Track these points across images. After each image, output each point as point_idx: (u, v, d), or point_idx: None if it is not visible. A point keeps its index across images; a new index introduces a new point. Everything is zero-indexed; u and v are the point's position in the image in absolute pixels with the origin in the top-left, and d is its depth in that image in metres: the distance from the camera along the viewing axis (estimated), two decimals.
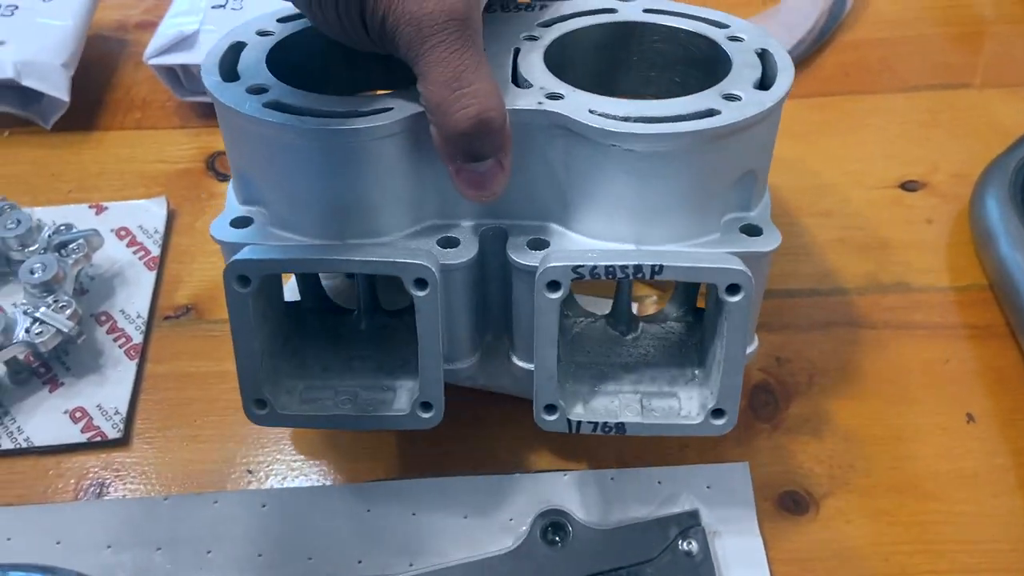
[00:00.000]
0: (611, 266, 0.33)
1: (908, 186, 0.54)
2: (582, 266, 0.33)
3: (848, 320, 0.48)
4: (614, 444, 0.43)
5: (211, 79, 0.36)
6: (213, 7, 0.58)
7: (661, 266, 0.33)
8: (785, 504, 0.41)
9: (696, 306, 0.41)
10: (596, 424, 0.36)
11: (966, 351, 0.46)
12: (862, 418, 0.44)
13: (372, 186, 0.35)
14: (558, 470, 0.42)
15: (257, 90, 0.35)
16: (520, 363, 0.39)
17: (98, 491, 0.42)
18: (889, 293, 0.49)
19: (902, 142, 0.56)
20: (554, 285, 0.34)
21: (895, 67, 0.61)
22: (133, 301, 0.49)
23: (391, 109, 0.34)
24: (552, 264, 0.33)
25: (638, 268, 0.33)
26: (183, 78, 0.58)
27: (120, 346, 0.47)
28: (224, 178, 0.56)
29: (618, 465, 0.42)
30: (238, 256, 0.34)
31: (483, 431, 0.43)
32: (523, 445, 0.43)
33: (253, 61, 0.37)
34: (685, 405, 0.37)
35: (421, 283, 0.34)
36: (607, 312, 0.41)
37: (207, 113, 0.59)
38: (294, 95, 0.35)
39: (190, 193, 0.55)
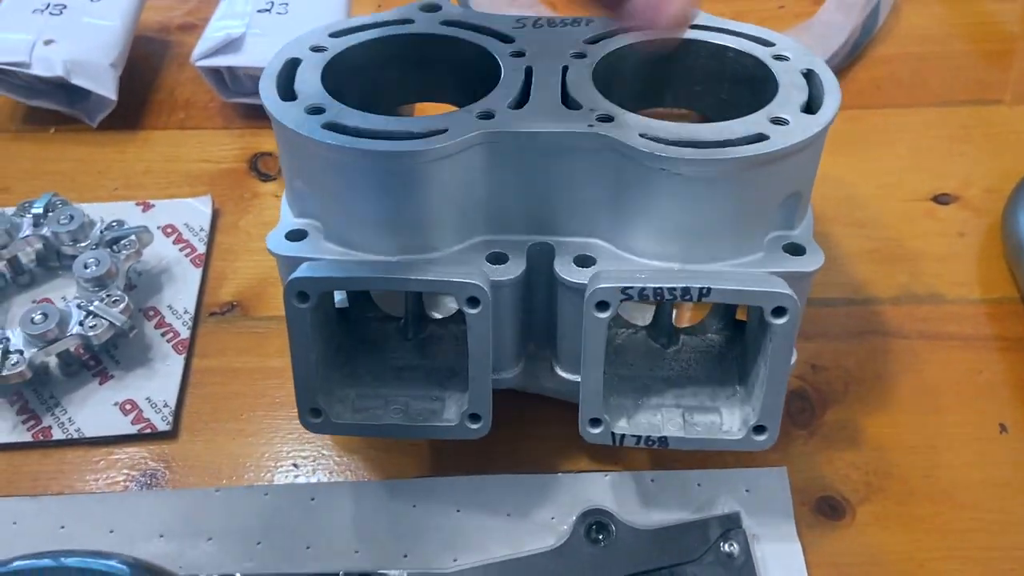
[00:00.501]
0: (659, 288, 0.34)
1: (941, 199, 0.55)
2: (631, 287, 0.34)
3: (882, 330, 0.48)
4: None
5: (270, 99, 0.37)
6: (259, 11, 0.59)
7: (709, 288, 0.34)
8: (822, 509, 0.42)
9: (735, 318, 0.42)
10: (639, 437, 0.37)
11: (999, 362, 0.47)
12: (897, 427, 0.45)
13: (426, 205, 0.36)
14: (598, 471, 0.43)
15: (315, 110, 0.36)
16: (564, 374, 0.40)
17: (148, 481, 0.43)
18: (923, 304, 0.50)
19: (935, 156, 0.57)
20: (603, 305, 0.34)
21: (927, 82, 0.61)
22: (180, 297, 0.50)
23: (446, 130, 0.35)
24: (601, 285, 0.34)
25: (686, 291, 0.34)
26: (228, 80, 0.59)
27: (168, 341, 0.48)
28: (266, 178, 0.57)
29: (653, 467, 0.43)
30: (298, 274, 0.35)
31: (522, 431, 0.44)
32: (562, 446, 0.44)
33: (309, 79, 0.38)
34: (727, 420, 0.38)
35: (473, 301, 0.35)
36: (647, 323, 0.42)
37: (250, 114, 0.60)
38: (351, 115, 0.36)
39: (233, 193, 0.56)
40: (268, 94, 0.37)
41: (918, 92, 0.61)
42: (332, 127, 0.35)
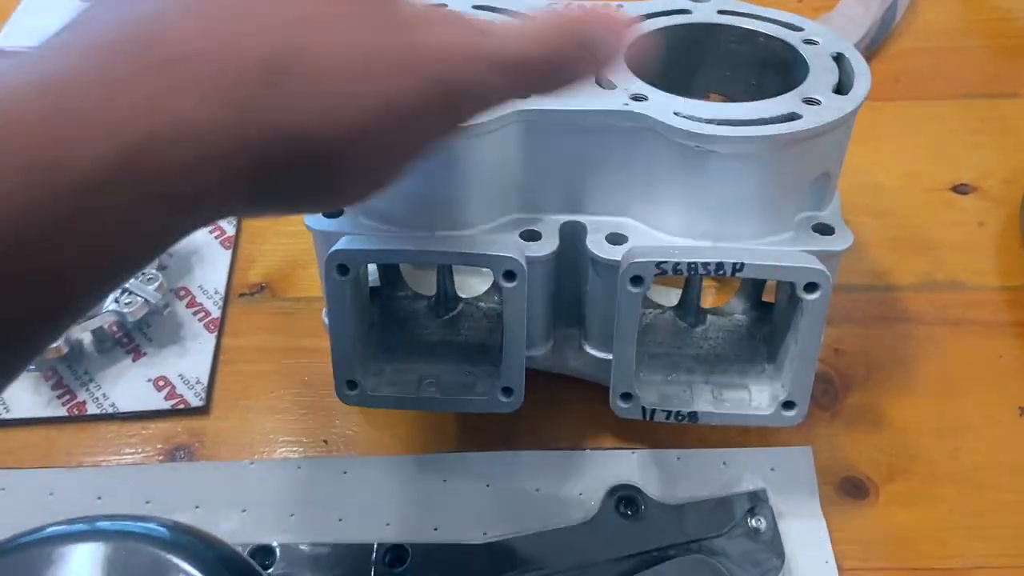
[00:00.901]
0: (693, 263, 0.35)
1: (960, 189, 0.55)
2: (665, 262, 0.35)
3: (904, 316, 0.49)
4: (676, 427, 0.44)
5: None
6: None
7: (742, 264, 0.35)
8: (846, 489, 0.42)
9: (761, 300, 0.42)
10: (670, 412, 0.38)
11: (1018, 348, 0.48)
12: (918, 410, 0.45)
13: (461, 181, 0.36)
14: (625, 448, 0.43)
15: None
16: (593, 351, 0.40)
17: (183, 455, 0.44)
18: (943, 291, 0.50)
19: (953, 147, 0.58)
20: (637, 280, 0.35)
21: (945, 76, 0.62)
22: (210, 278, 0.51)
23: None
24: (636, 260, 0.35)
25: (720, 266, 0.35)
26: None
27: (199, 320, 0.49)
28: None
29: (678, 446, 0.43)
30: (339, 246, 0.36)
31: (549, 409, 0.45)
32: (588, 424, 0.45)
33: None
34: (756, 397, 0.38)
35: (510, 275, 0.35)
36: (674, 304, 0.43)
37: None
38: None
39: None
40: None
41: (936, 85, 0.62)
42: None
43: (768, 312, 0.42)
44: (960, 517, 0.42)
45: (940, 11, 0.67)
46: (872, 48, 0.63)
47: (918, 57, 0.64)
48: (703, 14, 0.42)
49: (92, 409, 0.45)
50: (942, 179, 0.56)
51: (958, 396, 0.46)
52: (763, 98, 0.38)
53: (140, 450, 0.44)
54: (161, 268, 0.50)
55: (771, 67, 0.41)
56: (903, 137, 0.58)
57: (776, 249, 0.36)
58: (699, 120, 0.35)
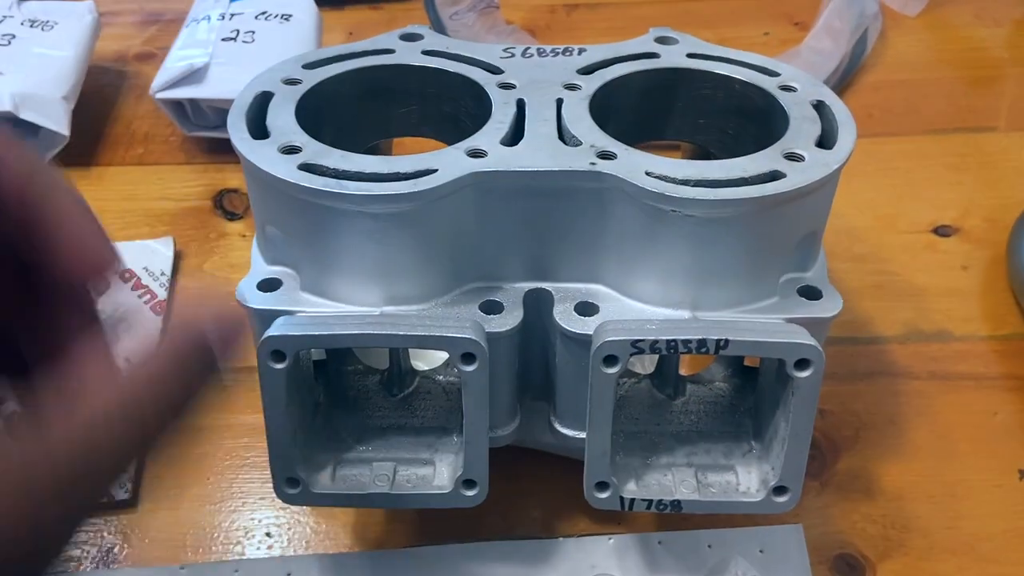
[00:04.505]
0: (673, 340, 0.31)
1: (941, 231, 0.53)
2: (642, 340, 0.31)
3: (891, 370, 0.46)
4: None
5: (240, 137, 0.33)
6: (223, 39, 0.56)
7: (727, 340, 0.31)
8: (840, 568, 0.39)
9: (744, 365, 0.39)
10: (651, 502, 0.34)
11: (1012, 403, 0.45)
12: (913, 475, 0.42)
13: (414, 251, 0.33)
14: (600, 534, 0.39)
15: (290, 149, 0.33)
16: (563, 430, 0.36)
17: (105, 558, 0.39)
18: (930, 342, 0.47)
19: (931, 186, 0.55)
20: (611, 360, 0.31)
21: (919, 109, 0.60)
22: (139, 349, 0.46)
23: (436, 171, 0.32)
24: (610, 338, 0.31)
25: (702, 343, 0.31)
26: (191, 113, 0.56)
27: None
28: (233, 217, 0.54)
29: (660, 528, 0.40)
30: (272, 331, 0.31)
31: (516, 488, 0.41)
32: (560, 505, 0.41)
33: (283, 115, 0.35)
34: (743, 480, 0.35)
35: (469, 358, 0.32)
36: (649, 371, 0.39)
37: (214, 148, 0.57)
38: (330, 155, 0.33)
39: (197, 233, 0.53)
40: (238, 132, 0.34)
41: (910, 120, 0.59)
42: (310, 168, 0.32)
43: (751, 378, 0.38)
44: None
45: (910, 42, 0.65)
46: (843, 82, 0.61)
47: (890, 90, 0.61)
48: (672, 58, 0.39)
49: None
50: (921, 220, 0.53)
51: (953, 458, 0.43)
52: (739, 147, 0.35)
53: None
54: None
55: (747, 115, 0.38)
56: (878, 176, 0.56)
57: (761, 320, 0.33)
58: (673, 181, 0.31)
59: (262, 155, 0.32)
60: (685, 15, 0.69)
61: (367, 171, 0.32)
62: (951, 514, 0.41)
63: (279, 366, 0.31)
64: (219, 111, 0.55)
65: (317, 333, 0.31)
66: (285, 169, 0.32)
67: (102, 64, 0.63)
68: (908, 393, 0.45)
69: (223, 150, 0.56)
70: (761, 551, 0.38)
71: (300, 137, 0.33)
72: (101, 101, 0.61)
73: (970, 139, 0.58)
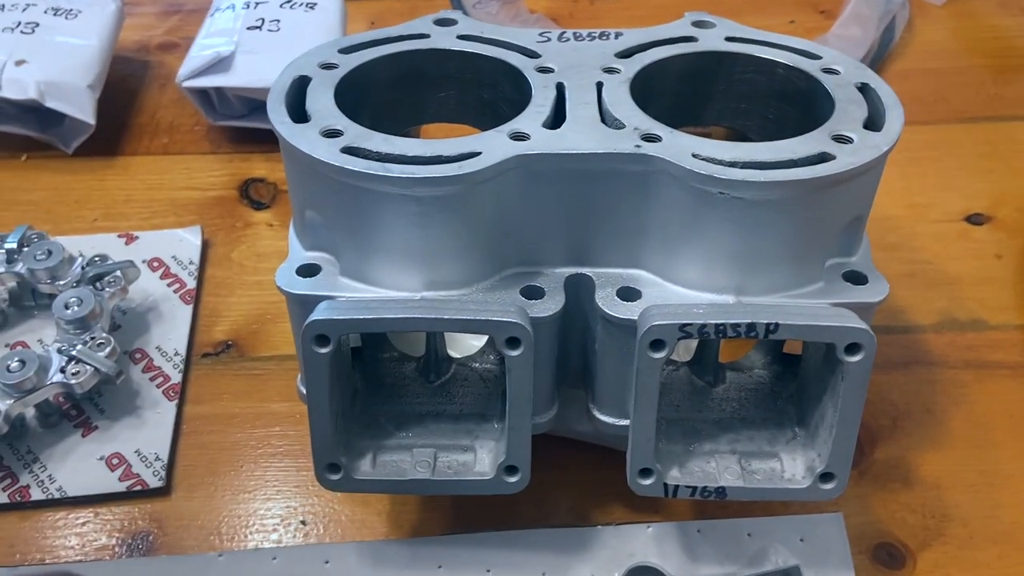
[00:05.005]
0: (721, 324, 0.31)
1: (974, 219, 0.52)
2: (690, 324, 0.31)
3: (926, 359, 0.46)
4: None
5: (280, 120, 0.33)
6: (248, 28, 0.56)
7: (777, 324, 0.31)
8: (880, 558, 0.39)
9: (783, 352, 0.39)
10: (695, 488, 0.33)
11: None
12: (951, 463, 0.42)
13: (456, 235, 0.32)
14: (639, 522, 0.39)
15: (332, 133, 0.33)
16: (602, 417, 0.36)
17: (140, 545, 0.39)
18: (966, 331, 0.47)
19: (963, 174, 0.55)
20: (658, 344, 0.31)
21: (948, 98, 0.59)
22: (170, 337, 0.46)
23: (479, 153, 0.31)
24: (657, 323, 0.31)
25: (751, 327, 0.31)
26: (216, 102, 0.55)
27: (158, 386, 0.44)
28: (259, 206, 0.54)
29: (697, 516, 0.39)
30: (317, 315, 0.31)
31: (553, 477, 0.40)
32: (597, 494, 0.41)
33: (322, 99, 0.35)
34: (788, 467, 0.34)
35: (514, 342, 0.31)
36: (687, 359, 0.39)
37: (240, 138, 0.56)
38: (373, 139, 0.32)
39: (224, 222, 0.52)
40: (278, 116, 0.33)
41: (939, 108, 0.59)
42: (352, 151, 0.32)
43: (791, 366, 0.38)
44: None
45: (937, 30, 0.64)
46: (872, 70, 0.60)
47: (918, 79, 0.61)
48: (710, 42, 0.39)
49: (36, 494, 0.40)
50: (953, 209, 0.53)
51: (991, 447, 0.42)
52: (780, 133, 0.35)
53: (92, 540, 0.39)
54: (114, 329, 0.45)
55: (789, 99, 0.38)
56: (909, 164, 0.55)
57: (810, 304, 0.33)
58: (721, 163, 0.31)
59: (304, 138, 0.32)
60: (709, 3, 0.68)
61: (410, 154, 0.31)
62: (990, 503, 0.40)
63: (323, 350, 0.31)
64: (245, 100, 0.55)
65: (362, 317, 0.31)
66: (328, 152, 0.31)
67: (125, 54, 0.63)
68: (944, 382, 0.45)
69: (249, 139, 0.56)
70: (801, 540, 0.38)
71: (341, 121, 0.33)
72: (125, 91, 0.61)
73: (1000, 128, 0.57)
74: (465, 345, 0.41)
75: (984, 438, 0.43)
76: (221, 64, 0.54)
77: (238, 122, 0.56)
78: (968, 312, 0.48)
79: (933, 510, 0.40)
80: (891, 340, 0.46)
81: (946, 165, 0.55)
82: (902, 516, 0.40)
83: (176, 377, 0.44)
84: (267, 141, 0.55)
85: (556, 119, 0.34)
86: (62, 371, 0.40)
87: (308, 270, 0.34)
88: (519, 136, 0.33)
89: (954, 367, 0.45)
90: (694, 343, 0.38)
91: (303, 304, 0.33)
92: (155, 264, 0.49)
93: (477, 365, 0.39)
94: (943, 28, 0.65)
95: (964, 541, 0.39)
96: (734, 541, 0.38)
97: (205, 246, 0.51)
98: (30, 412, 0.42)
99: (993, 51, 0.64)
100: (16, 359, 0.39)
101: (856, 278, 0.34)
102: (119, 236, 0.51)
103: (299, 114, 0.34)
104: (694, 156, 0.31)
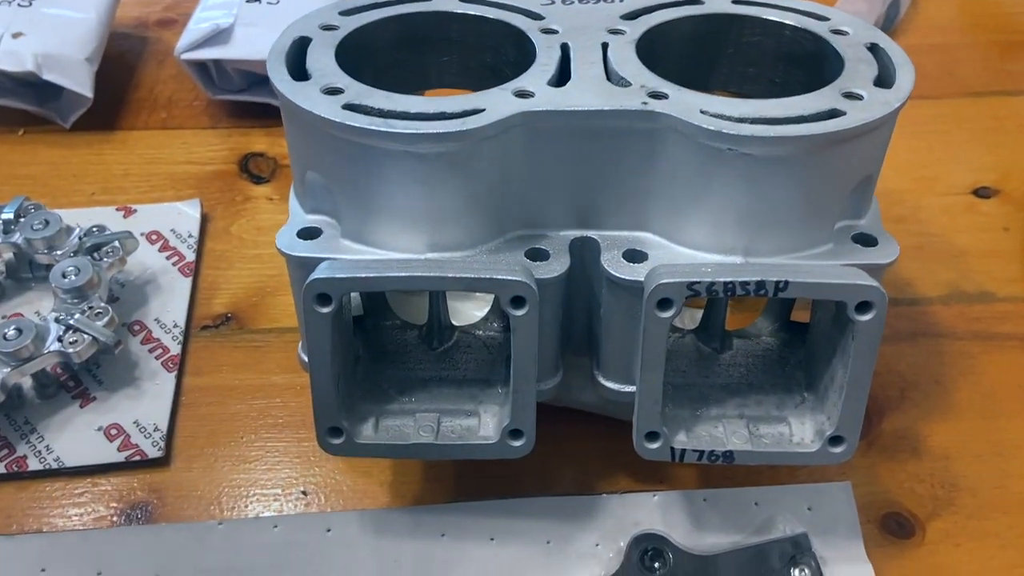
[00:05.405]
0: (730, 283, 0.30)
1: (981, 193, 0.52)
2: (698, 283, 0.30)
3: (934, 331, 0.45)
4: (700, 464, 0.39)
5: (280, 78, 0.33)
6: (248, 1, 0.55)
7: (786, 282, 0.30)
8: (889, 527, 0.38)
9: (791, 320, 0.38)
10: (702, 452, 0.33)
11: None
12: (960, 434, 0.41)
13: (459, 194, 0.32)
14: (644, 491, 0.39)
15: (333, 91, 0.32)
16: (608, 383, 0.36)
17: (139, 515, 0.38)
18: (973, 303, 0.46)
19: (970, 148, 0.54)
20: (665, 303, 0.31)
21: (954, 72, 0.59)
22: (168, 310, 0.45)
23: (483, 110, 0.31)
24: (664, 280, 0.30)
25: (760, 285, 0.30)
26: (215, 75, 0.55)
27: (156, 358, 0.43)
28: (259, 180, 0.53)
29: (704, 485, 0.39)
30: (318, 274, 0.31)
31: (556, 448, 0.40)
32: (601, 464, 0.40)
33: (323, 59, 0.34)
34: (797, 431, 0.34)
35: (519, 301, 0.31)
36: (691, 327, 0.38)
37: (239, 113, 0.56)
38: (374, 96, 0.32)
39: (223, 196, 0.52)
40: (278, 74, 0.33)
41: (946, 83, 0.58)
42: (354, 108, 0.31)
43: (799, 333, 0.37)
44: (1014, 553, 0.38)
45: (942, 6, 0.64)
46: None
47: (924, 54, 0.60)
48: (717, 4, 0.38)
49: (34, 465, 0.39)
50: (960, 182, 0.52)
51: (999, 418, 0.42)
52: (789, 97, 0.34)
53: (90, 511, 0.38)
54: (112, 300, 0.45)
55: (796, 62, 0.37)
56: (915, 138, 0.55)
57: (818, 264, 0.32)
58: (729, 119, 0.30)
59: (304, 96, 0.32)
60: None
61: (413, 111, 0.31)
62: (999, 473, 0.40)
63: (325, 310, 0.31)
64: (244, 74, 0.55)
65: (364, 275, 0.30)
66: (329, 109, 0.31)
67: (123, 30, 0.62)
68: (952, 354, 0.44)
69: (248, 114, 0.55)
70: (809, 509, 0.38)
71: (342, 79, 0.33)
72: (122, 67, 0.60)
73: (1007, 102, 0.57)
74: (467, 316, 0.41)
75: (992, 409, 0.42)
76: (220, 36, 0.53)
77: (237, 96, 0.55)
78: (976, 284, 0.47)
79: (942, 480, 0.40)
80: (898, 312, 0.46)
81: (953, 139, 0.55)
82: (910, 486, 0.40)
83: (175, 349, 0.44)
84: (267, 116, 0.55)
85: (561, 78, 0.34)
86: (59, 340, 0.40)
87: (309, 233, 0.34)
88: (523, 94, 0.32)
89: (962, 339, 0.45)
90: (699, 312, 0.38)
91: (304, 267, 0.33)
92: (154, 237, 0.49)
93: (480, 333, 0.38)
94: (948, 3, 0.64)
95: (974, 511, 0.39)
96: (741, 510, 0.37)
97: (204, 220, 0.50)
98: (27, 383, 0.41)
99: (999, 26, 0.63)
100: (13, 327, 0.39)
101: (866, 240, 0.33)
102: (117, 209, 0.50)
103: (299, 74, 0.33)
104: (702, 112, 0.31)
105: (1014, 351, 0.44)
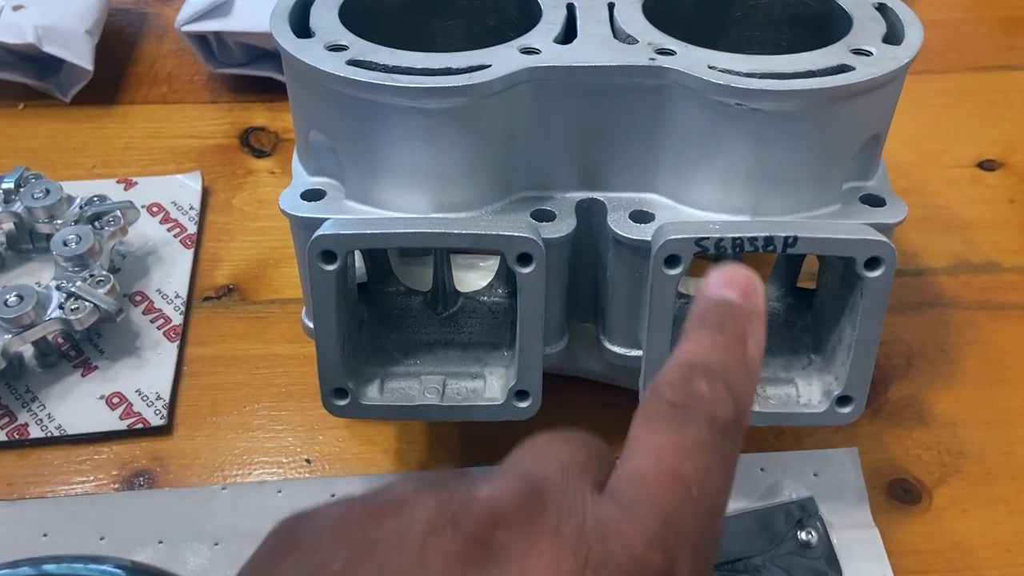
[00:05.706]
0: (739, 238, 0.30)
1: (986, 165, 0.52)
2: (706, 239, 0.30)
3: (940, 301, 0.45)
4: None
5: (283, 36, 0.32)
6: None
7: (795, 237, 0.30)
8: (896, 493, 0.38)
9: (797, 286, 0.38)
10: None
11: None
12: (966, 401, 0.41)
13: (465, 152, 0.31)
14: None
15: (336, 47, 0.32)
16: (614, 348, 0.35)
17: (142, 483, 0.38)
18: (979, 273, 0.46)
19: (975, 122, 0.54)
20: (673, 260, 0.30)
21: (959, 47, 0.59)
22: (170, 280, 0.45)
23: (489, 66, 0.31)
24: (672, 237, 0.30)
25: (769, 240, 0.30)
26: (216, 48, 0.54)
27: (158, 328, 0.43)
28: (260, 154, 0.53)
29: None
30: (323, 230, 0.30)
31: (561, 417, 0.39)
32: (606, 432, 0.39)
33: (327, 16, 0.34)
34: (804, 392, 0.34)
35: (526, 259, 0.30)
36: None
37: (240, 87, 0.55)
38: (379, 52, 0.31)
39: (225, 170, 0.52)
40: (281, 31, 0.32)
41: (950, 58, 0.58)
42: (359, 64, 0.31)
43: (804, 299, 0.37)
44: (1022, 519, 0.37)
45: None
46: None
47: (929, 29, 0.58)
48: None
49: (35, 432, 0.39)
50: (966, 155, 0.52)
51: (1005, 385, 0.42)
52: None
53: (92, 478, 0.38)
54: (114, 270, 0.44)
55: (803, 24, 0.37)
56: (920, 112, 0.54)
57: (826, 221, 0.32)
58: (738, 74, 0.30)
59: (308, 52, 0.31)
60: None
61: (418, 66, 0.31)
62: (1006, 440, 0.40)
63: (330, 267, 0.30)
64: (245, 47, 0.54)
65: (369, 232, 0.30)
66: (333, 64, 0.31)
67: (123, 6, 0.62)
68: (958, 323, 0.44)
69: (249, 88, 0.55)
70: (815, 475, 0.37)
71: (346, 36, 0.32)
72: (123, 42, 0.60)
73: (1012, 76, 0.57)
74: (471, 286, 0.41)
75: (999, 377, 0.42)
76: (221, 8, 0.53)
77: (238, 70, 0.55)
78: (981, 255, 0.47)
79: (949, 447, 0.40)
80: (904, 283, 0.46)
81: (958, 112, 0.55)
82: (917, 453, 0.39)
83: (177, 319, 0.43)
84: (268, 90, 0.55)
85: (567, 37, 0.33)
86: (61, 307, 0.39)
87: (313, 194, 0.34)
88: (530, 50, 0.32)
89: (968, 308, 0.45)
90: (698, 280, 0.38)
91: (308, 228, 0.32)
92: (155, 209, 0.48)
93: (485, 299, 0.38)
94: None
95: (981, 477, 0.39)
96: (747, 476, 0.37)
97: (205, 193, 0.50)
98: (28, 351, 0.41)
99: (1004, 2, 0.63)
100: (14, 294, 0.39)
101: (873, 200, 0.33)
102: (118, 182, 0.50)
103: (303, 33, 0.33)
104: (710, 67, 0.30)
105: (1020, 320, 0.44)
